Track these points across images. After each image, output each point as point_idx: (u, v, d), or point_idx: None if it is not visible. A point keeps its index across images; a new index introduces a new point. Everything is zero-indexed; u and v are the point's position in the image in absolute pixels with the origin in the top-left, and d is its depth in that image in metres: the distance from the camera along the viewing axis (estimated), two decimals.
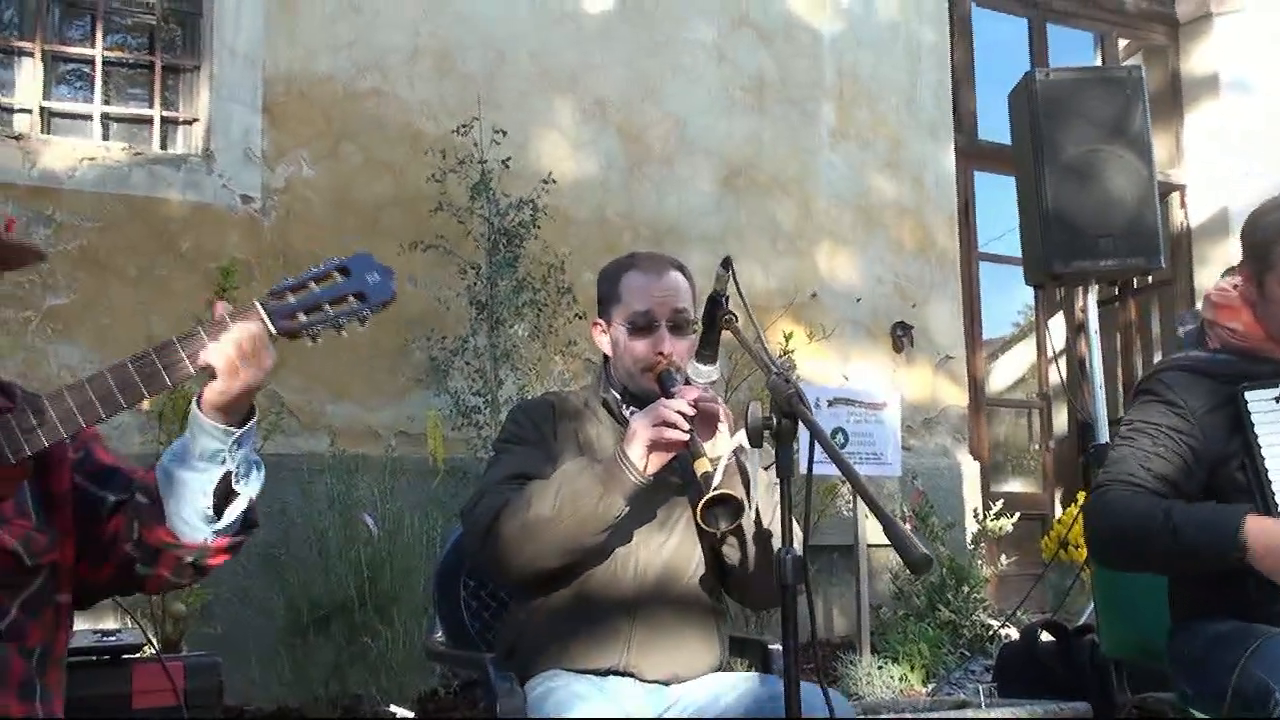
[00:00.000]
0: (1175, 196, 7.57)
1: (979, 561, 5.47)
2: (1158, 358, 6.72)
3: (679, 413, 2.19)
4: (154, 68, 4.92)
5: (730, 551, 2.37)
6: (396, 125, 5.18)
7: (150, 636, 3.16)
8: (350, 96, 5.11)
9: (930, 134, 6.55)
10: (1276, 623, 2.31)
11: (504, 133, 5.07)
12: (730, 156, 5.94)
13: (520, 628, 2.40)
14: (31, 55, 4.71)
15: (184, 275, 4.68)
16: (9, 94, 4.70)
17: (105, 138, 4.80)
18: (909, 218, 6.41)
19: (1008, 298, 9.38)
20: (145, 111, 4.91)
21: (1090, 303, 5.22)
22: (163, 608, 3.75)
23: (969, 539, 5.62)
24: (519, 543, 2.23)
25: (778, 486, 1.97)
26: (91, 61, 4.82)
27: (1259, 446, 2.37)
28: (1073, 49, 7.61)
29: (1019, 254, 5.55)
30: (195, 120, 4.93)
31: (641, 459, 2.19)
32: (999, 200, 6.87)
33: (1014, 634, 5.13)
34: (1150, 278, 6.82)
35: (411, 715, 4.12)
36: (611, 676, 2.30)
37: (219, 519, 1.79)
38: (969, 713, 4.27)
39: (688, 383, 2.32)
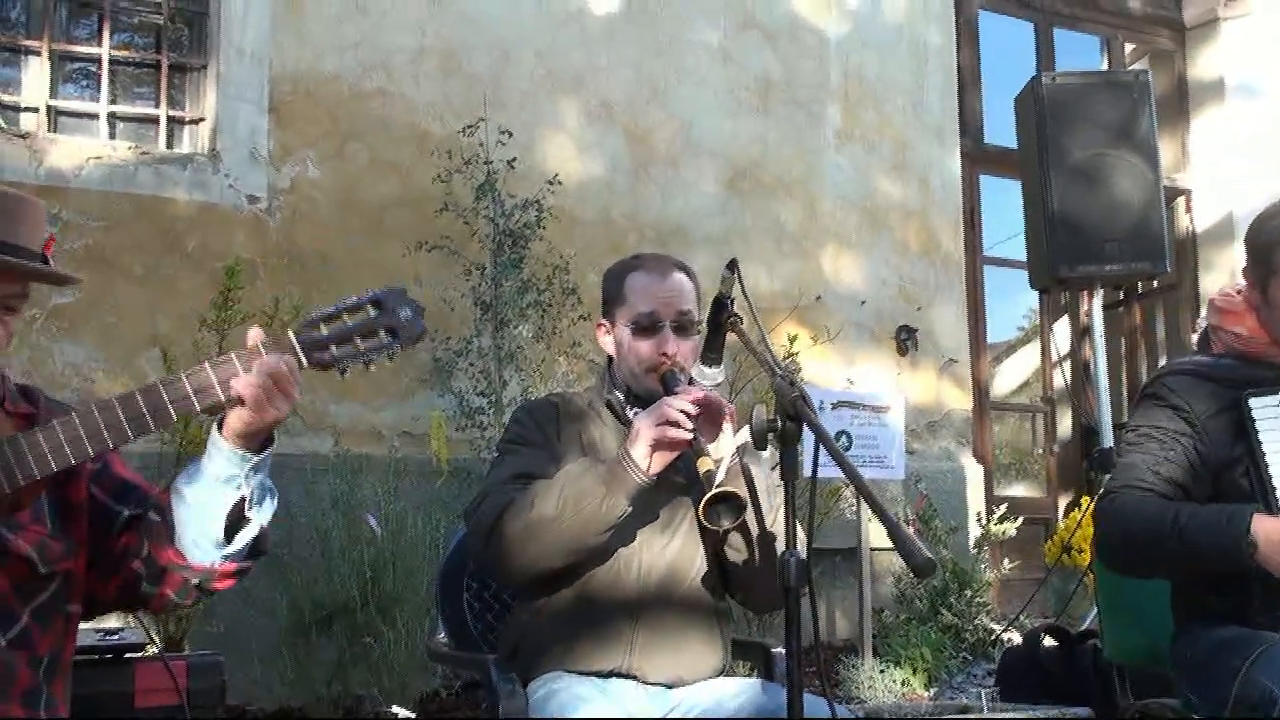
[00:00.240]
0: (1181, 201, 7.55)
1: (982, 565, 5.46)
2: (1162, 362, 6.69)
3: (682, 411, 2.18)
4: (161, 67, 4.92)
5: (733, 553, 2.36)
6: (402, 126, 5.19)
7: (153, 635, 3.16)
8: (356, 97, 5.12)
9: (936, 137, 6.54)
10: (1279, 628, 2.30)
11: (509, 133, 5.07)
12: (735, 158, 5.94)
13: (523, 629, 2.40)
14: (39, 54, 4.72)
15: (190, 275, 4.69)
16: (16, 93, 4.71)
17: (112, 137, 4.81)
18: (914, 220, 6.40)
19: (1012, 301, 9.36)
20: (152, 111, 4.92)
21: (1095, 307, 5.22)
22: None
23: (972, 543, 5.61)
24: (522, 543, 2.22)
25: (781, 489, 1.97)
26: (98, 61, 4.82)
27: (1263, 453, 2.36)
28: (1079, 53, 7.62)
29: (1024, 258, 5.56)
30: (202, 120, 4.94)
31: (645, 458, 2.18)
32: (1004, 204, 6.89)
33: (1017, 638, 5.13)
34: (1155, 282, 6.83)
35: (413, 716, 4.12)
36: (614, 678, 2.30)
37: (229, 543, 1.79)
38: (971, 717, 4.27)
39: (691, 384, 2.32)
